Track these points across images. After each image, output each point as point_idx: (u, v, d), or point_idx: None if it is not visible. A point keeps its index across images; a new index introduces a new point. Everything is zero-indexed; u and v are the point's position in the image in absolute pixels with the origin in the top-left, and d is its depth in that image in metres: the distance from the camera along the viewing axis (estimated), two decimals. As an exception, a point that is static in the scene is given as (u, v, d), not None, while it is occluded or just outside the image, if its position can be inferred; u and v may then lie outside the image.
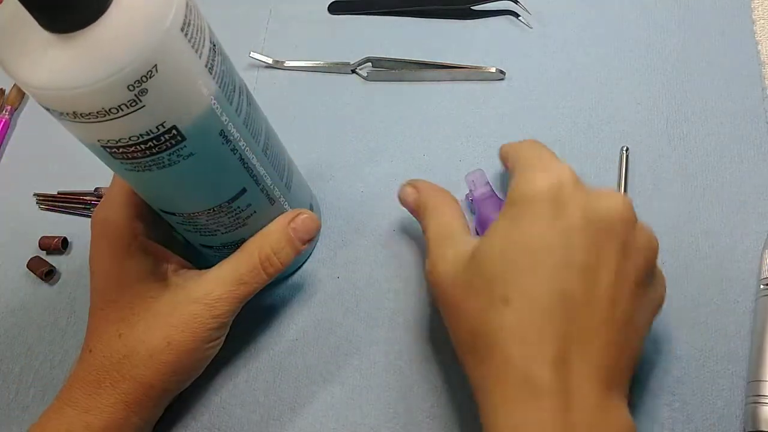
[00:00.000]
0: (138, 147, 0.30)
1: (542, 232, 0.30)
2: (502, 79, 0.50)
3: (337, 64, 0.53)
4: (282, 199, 0.39)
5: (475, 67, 0.50)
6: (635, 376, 0.33)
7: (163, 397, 0.37)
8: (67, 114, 0.28)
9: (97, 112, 0.27)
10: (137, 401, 0.36)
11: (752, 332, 0.37)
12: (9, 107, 0.56)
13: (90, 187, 0.50)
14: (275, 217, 0.39)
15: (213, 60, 0.31)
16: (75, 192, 0.50)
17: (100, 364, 0.36)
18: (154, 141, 0.29)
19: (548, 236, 0.30)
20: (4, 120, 0.55)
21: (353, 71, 0.52)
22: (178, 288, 0.37)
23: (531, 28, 0.52)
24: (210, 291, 0.36)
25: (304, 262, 0.45)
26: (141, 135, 0.29)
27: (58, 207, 0.50)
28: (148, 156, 0.30)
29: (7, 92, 0.57)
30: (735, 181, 0.43)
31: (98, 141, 0.29)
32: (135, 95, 0.27)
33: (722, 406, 0.36)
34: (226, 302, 0.36)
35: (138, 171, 0.31)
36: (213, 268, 0.38)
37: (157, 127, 0.29)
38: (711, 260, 0.40)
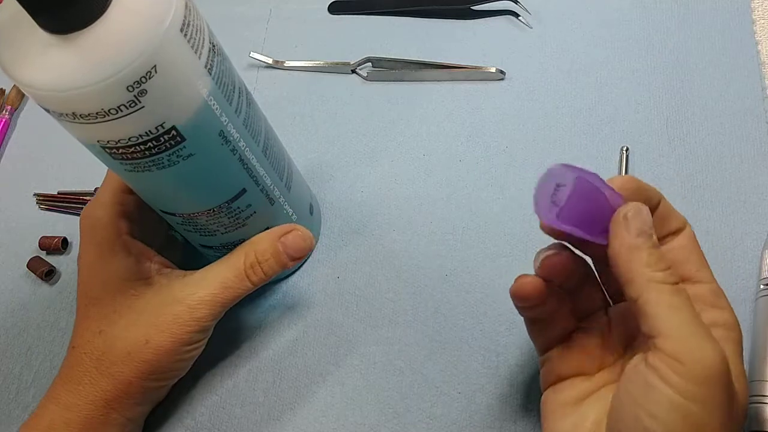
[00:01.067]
0: (137, 148, 0.30)
1: None
2: (502, 79, 0.50)
3: (337, 64, 0.53)
4: (282, 199, 0.39)
5: (475, 67, 0.50)
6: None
7: (144, 395, 0.37)
8: (67, 115, 0.28)
9: (97, 113, 0.27)
10: (117, 399, 0.36)
11: (752, 332, 0.37)
12: (9, 107, 0.56)
13: (90, 187, 0.50)
14: (275, 218, 0.39)
15: (212, 60, 0.30)
16: (75, 192, 0.50)
17: (80, 362, 0.36)
18: (154, 142, 0.29)
19: None
20: (4, 120, 0.55)
21: (353, 71, 0.52)
22: (161, 287, 0.37)
23: (531, 28, 0.52)
24: (193, 292, 0.36)
25: (302, 264, 0.45)
26: (140, 136, 0.29)
27: (58, 207, 0.50)
28: (147, 156, 0.30)
29: (7, 92, 0.57)
30: (735, 181, 0.43)
31: (98, 141, 0.29)
32: (134, 96, 0.27)
33: (722, 406, 0.36)
34: (208, 305, 0.36)
35: (137, 171, 0.31)
36: (199, 270, 0.38)
37: (156, 128, 0.29)
38: (711, 260, 0.40)
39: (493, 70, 0.49)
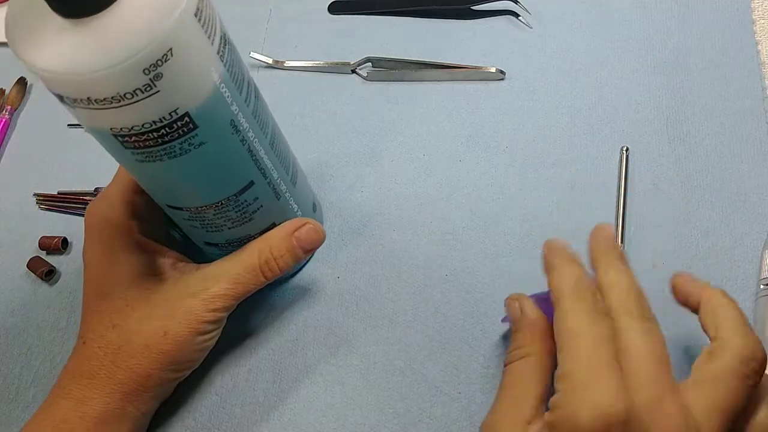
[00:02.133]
0: (150, 135, 0.30)
1: None
2: (502, 79, 0.50)
3: (337, 64, 0.53)
4: (288, 194, 0.39)
5: (475, 67, 0.50)
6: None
7: (160, 387, 0.37)
8: (81, 100, 0.28)
9: (112, 98, 0.27)
10: (134, 391, 0.36)
11: (752, 332, 0.37)
12: (9, 107, 0.56)
13: (90, 187, 0.50)
14: (281, 213, 0.39)
15: (224, 48, 0.31)
16: (75, 192, 0.50)
17: (94, 355, 0.36)
18: (167, 128, 0.29)
19: None
20: (4, 120, 0.55)
21: (353, 71, 0.52)
22: (176, 281, 0.38)
23: (531, 28, 0.52)
24: (207, 287, 0.37)
25: (304, 265, 0.45)
26: (154, 122, 0.29)
27: (58, 207, 0.50)
28: (160, 144, 0.30)
29: (7, 92, 0.57)
30: (735, 181, 0.43)
31: (110, 129, 0.29)
32: (150, 79, 0.27)
33: (723, 405, 0.36)
34: (222, 299, 0.37)
35: (148, 161, 0.31)
36: (213, 263, 0.38)
37: (170, 114, 0.29)
38: (711, 260, 0.40)
39: (493, 70, 0.49)
